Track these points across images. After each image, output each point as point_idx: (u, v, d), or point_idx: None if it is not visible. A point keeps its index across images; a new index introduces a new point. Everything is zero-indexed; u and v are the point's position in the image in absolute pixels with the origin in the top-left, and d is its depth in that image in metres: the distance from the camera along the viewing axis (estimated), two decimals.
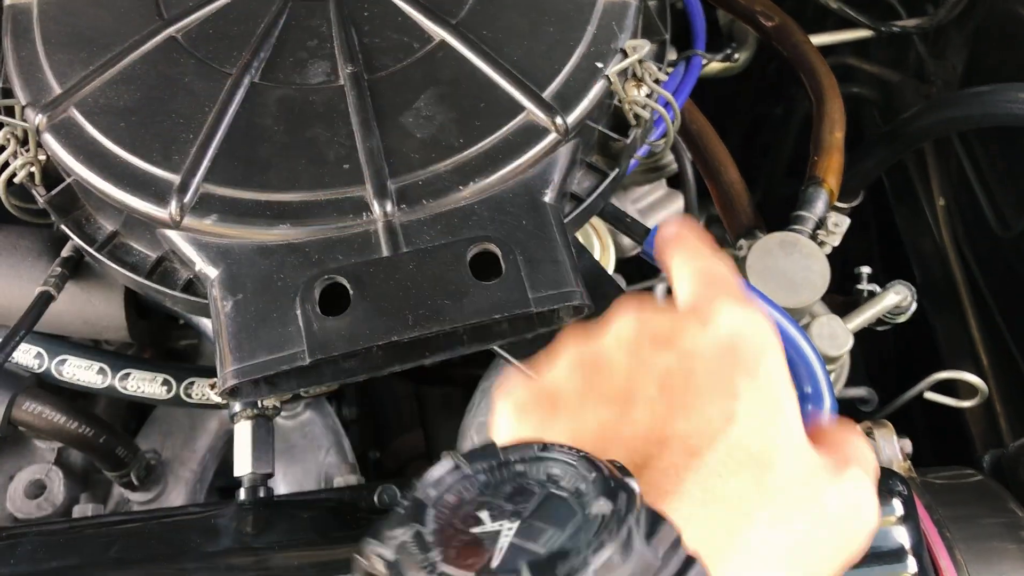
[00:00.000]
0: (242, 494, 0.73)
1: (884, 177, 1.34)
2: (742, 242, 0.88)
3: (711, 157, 0.94)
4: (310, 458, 0.93)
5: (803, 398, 0.74)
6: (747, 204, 0.90)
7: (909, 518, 0.71)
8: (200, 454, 0.92)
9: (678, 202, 1.15)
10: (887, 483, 0.72)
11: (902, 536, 0.70)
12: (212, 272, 0.64)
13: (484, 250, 0.63)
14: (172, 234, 0.66)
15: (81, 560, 0.70)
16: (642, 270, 1.41)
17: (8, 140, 0.71)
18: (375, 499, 0.75)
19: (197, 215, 0.65)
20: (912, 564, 0.69)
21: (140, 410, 0.99)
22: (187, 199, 0.65)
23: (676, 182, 1.10)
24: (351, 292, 0.61)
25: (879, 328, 0.93)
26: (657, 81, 0.73)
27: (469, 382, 1.27)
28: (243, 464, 0.73)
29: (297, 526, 0.71)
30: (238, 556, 0.70)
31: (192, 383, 0.80)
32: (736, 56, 1.07)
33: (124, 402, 0.95)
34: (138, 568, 0.69)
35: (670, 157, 1.03)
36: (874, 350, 1.37)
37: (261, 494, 0.73)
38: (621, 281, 0.97)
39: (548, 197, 0.66)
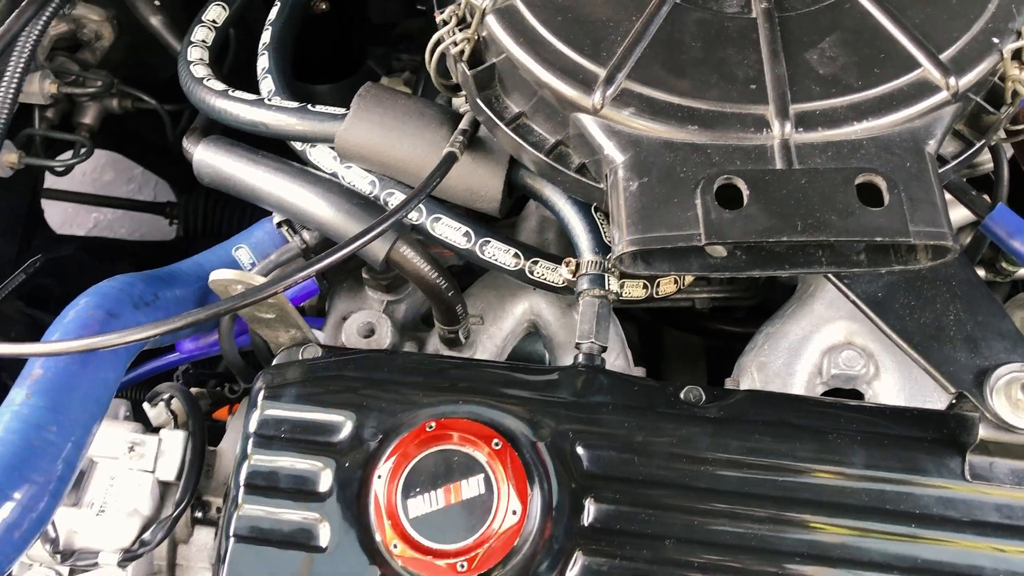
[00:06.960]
0: (580, 359, 0.82)
1: None
2: None
3: None
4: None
5: None
6: None
7: None
8: (503, 334, 1.03)
9: (958, 211, 1.17)
10: None
11: None
12: (619, 157, 0.74)
13: (869, 181, 0.70)
14: (587, 119, 0.75)
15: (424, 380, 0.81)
16: None
17: (451, 17, 0.82)
18: (681, 395, 0.83)
19: (616, 106, 0.74)
20: None
21: None
22: (611, 91, 0.74)
23: (976, 183, 1.13)
24: (746, 193, 0.70)
25: None
26: None
27: (713, 335, 1.34)
28: (586, 333, 0.82)
29: (627, 396, 0.80)
30: (566, 407, 0.79)
31: (536, 262, 0.90)
32: None
33: None
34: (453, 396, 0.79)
35: (986, 156, 1.06)
36: None
37: (596, 363, 0.82)
38: None
39: (930, 148, 0.72)
